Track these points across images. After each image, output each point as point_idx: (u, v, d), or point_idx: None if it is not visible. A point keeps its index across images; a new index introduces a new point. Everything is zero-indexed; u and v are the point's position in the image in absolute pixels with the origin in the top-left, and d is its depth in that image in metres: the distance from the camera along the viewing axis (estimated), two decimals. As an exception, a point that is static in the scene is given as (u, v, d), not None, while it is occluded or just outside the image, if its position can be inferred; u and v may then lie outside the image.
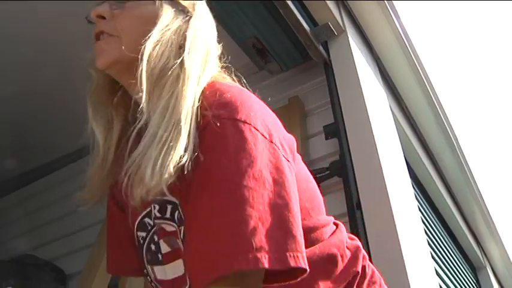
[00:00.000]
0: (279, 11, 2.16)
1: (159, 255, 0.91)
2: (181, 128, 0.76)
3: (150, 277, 0.97)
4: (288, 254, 0.71)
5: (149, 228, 0.94)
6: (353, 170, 2.01)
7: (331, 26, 2.36)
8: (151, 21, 0.88)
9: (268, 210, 0.72)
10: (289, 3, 2.14)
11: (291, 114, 2.38)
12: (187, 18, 0.93)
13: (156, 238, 0.92)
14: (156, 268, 0.93)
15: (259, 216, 0.71)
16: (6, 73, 2.78)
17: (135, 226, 0.97)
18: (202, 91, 0.84)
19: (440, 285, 2.95)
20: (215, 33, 1.01)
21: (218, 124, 0.76)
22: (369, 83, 2.42)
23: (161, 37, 0.86)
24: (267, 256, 0.69)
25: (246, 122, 0.77)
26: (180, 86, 0.81)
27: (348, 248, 0.96)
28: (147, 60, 0.83)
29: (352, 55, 2.31)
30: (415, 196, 3.02)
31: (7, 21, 2.49)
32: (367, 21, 2.74)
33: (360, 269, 0.94)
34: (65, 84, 2.90)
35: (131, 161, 0.78)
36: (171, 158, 0.74)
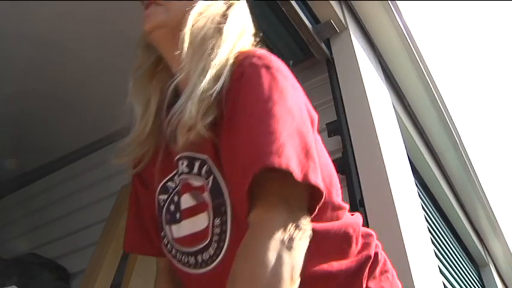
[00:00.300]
0: (281, 9, 2.16)
1: (177, 214, 0.96)
2: (218, 80, 0.89)
3: (167, 238, 1.00)
4: (309, 171, 0.78)
5: (170, 191, 1.00)
6: (356, 167, 2.00)
7: (333, 24, 2.36)
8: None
9: (296, 136, 0.81)
10: (292, 2, 2.14)
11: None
12: (228, 3, 1.06)
13: (176, 199, 0.98)
14: (174, 227, 0.97)
15: (288, 135, 0.80)
16: (6, 73, 2.78)
17: (158, 191, 1.03)
18: (237, 56, 0.95)
19: (443, 283, 2.94)
20: (250, 17, 1.14)
21: (253, 69, 0.88)
22: (371, 80, 2.41)
23: (204, 11, 0.99)
24: (295, 165, 0.76)
25: (278, 71, 0.89)
26: (216, 51, 0.94)
27: (362, 234, 0.99)
28: (191, 28, 0.96)
29: (355, 52, 2.31)
30: (418, 194, 3.02)
31: (7, 22, 2.49)
32: (370, 18, 2.73)
33: (372, 254, 0.96)
34: (66, 85, 2.91)
35: (174, 110, 0.89)
36: (209, 105, 0.87)
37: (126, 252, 1.21)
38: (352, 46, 2.33)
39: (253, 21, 2.32)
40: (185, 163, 0.96)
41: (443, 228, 4.18)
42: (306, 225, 0.78)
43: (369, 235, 1.01)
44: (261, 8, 2.28)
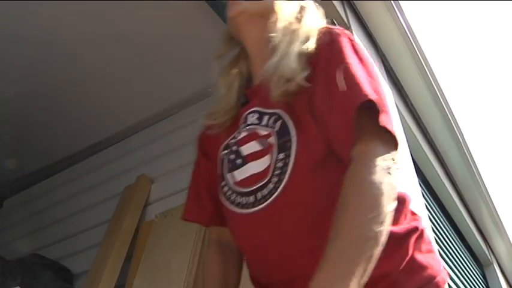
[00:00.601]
0: (283, 9, 2.16)
1: (239, 160, 1.08)
2: (306, 43, 1.07)
3: (227, 186, 1.10)
4: (391, 121, 0.93)
5: (232, 146, 1.13)
6: (359, 167, 1.99)
7: (335, 23, 2.36)
8: None
9: (380, 90, 0.96)
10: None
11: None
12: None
13: (236, 148, 1.11)
14: (236, 172, 1.08)
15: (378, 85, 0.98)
16: (7, 75, 2.79)
17: (221, 149, 1.17)
18: (320, 29, 1.12)
19: (447, 283, 2.93)
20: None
21: (342, 38, 1.05)
22: (375, 79, 2.40)
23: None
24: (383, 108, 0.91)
25: (357, 43, 1.07)
26: (304, 21, 1.15)
27: (410, 210, 1.06)
28: (279, 12, 1.15)
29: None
30: (422, 194, 3.01)
31: (7, 23, 2.49)
32: (372, 18, 2.73)
33: (419, 228, 1.01)
34: (67, 86, 2.92)
35: (269, 66, 1.05)
36: (304, 61, 1.04)
37: (184, 219, 1.29)
38: (355, 45, 2.33)
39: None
40: (255, 116, 1.11)
41: (447, 228, 4.17)
42: (398, 160, 0.91)
43: (416, 214, 1.07)
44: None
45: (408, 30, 2.89)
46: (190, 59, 2.78)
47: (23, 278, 2.66)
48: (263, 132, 1.06)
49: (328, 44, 1.05)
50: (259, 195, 1.01)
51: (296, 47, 1.06)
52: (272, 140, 1.03)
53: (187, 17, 2.58)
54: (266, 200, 0.99)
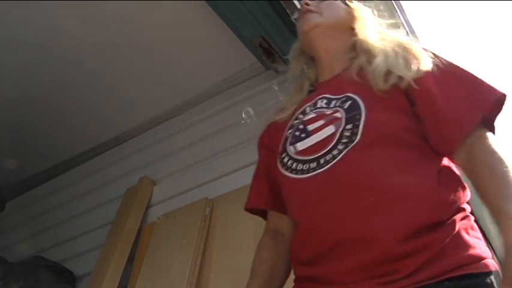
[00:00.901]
0: (285, 10, 2.16)
1: (303, 135, 1.17)
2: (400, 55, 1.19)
3: (287, 156, 1.17)
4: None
5: (297, 125, 1.22)
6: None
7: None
8: (340, 8, 1.40)
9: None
10: (295, 2, 2.14)
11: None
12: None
13: (301, 126, 1.20)
14: (298, 144, 1.16)
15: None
16: (8, 78, 2.79)
17: (286, 129, 1.26)
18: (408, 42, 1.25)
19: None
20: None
21: (440, 57, 1.15)
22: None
23: (359, 9, 1.39)
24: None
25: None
26: (391, 36, 1.31)
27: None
28: (363, 20, 1.35)
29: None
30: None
31: (7, 26, 2.50)
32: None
33: (466, 211, 1.08)
34: (68, 89, 2.92)
35: (376, 64, 1.17)
36: (405, 65, 1.14)
37: (245, 209, 1.38)
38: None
39: (258, 22, 2.33)
40: (324, 101, 1.21)
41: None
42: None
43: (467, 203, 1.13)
44: (265, 10, 2.28)
45: (409, 30, 2.89)
46: (192, 62, 2.79)
47: (25, 280, 2.67)
48: (329, 111, 1.16)
49: (432, 57, 1.15)
50: (322, 160, 1.08)
51: (397, 51, 1.19)
52: (338, 114, 1.13)
53: (187, 21, 2.58)
54: (328, 163, 1.06)
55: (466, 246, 0.98)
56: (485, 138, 1.05)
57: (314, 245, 1.06)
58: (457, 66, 1.14)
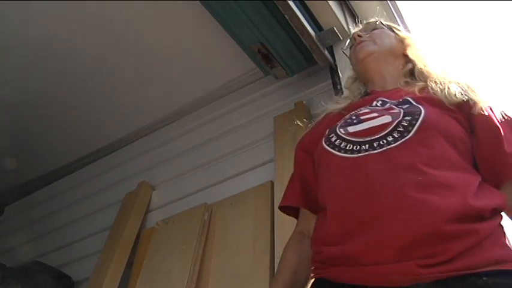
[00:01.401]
0: (284, 16, 2.17)
1: (356, 121, 1.22)
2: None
3: (335, 136, 1.21)
4: None
5: (347, 117, 1.28)
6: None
7: (336, 31, 2.37)
8: (391, 36, 1.49)
9: None
10: (294, 8, 2.15)
11: (298, 119, 2.37)
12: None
13: (354, 117, 1.24)
14: (350, 127, 1.20)
15: None
16: (9, 83, 2.80)
17: (338, 123, 1.28)
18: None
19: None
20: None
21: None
22: (375, 87, 2.42)
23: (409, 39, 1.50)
24: None
25: None
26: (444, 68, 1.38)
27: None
28: (414, 47, 1.46)
29: (343, 53, 2.31)
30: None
31: (10, 30, 2.51)
32: (373, 25, 2.74)
33: (502, 219, 1.09)
34: (68, 94, 2.93)
35: (447, 85, 1.24)
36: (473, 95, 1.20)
37: (280, 206, 1.42)
38: (356, 53, 2.33)
39: (257, 28, 2.34)
40: (380, 102, 1.28)
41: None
42: None
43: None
44: (265, 16, 2.29)
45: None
46: (191, 67, 2.80)
47: (23, 285, 2.66)
48: (385, 108, 1.23)
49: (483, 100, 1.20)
50: (375, 144, 1.11)
51: (463, 84, 1.25)
52: (396, 110, 1.19)
53: (186, 27, 2.59)
54: (382, 147, 1.10)
55: (504, 245, 1.02)
56: None
57: (351, 219, 1.05)
58: None
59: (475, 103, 1.18)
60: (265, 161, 2.43)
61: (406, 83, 1.36)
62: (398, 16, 2.70)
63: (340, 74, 2.29)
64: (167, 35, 2.63)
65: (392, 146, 1.09)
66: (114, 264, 2.44)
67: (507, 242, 1.04)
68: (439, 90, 1.23)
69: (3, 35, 2.53)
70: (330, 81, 2.39)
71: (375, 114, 1.20)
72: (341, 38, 2.39)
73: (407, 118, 1.14)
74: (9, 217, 3.66)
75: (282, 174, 2.21)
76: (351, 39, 1.58)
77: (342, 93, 2.26)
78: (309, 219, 1.31)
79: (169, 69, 2.81)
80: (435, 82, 1.28)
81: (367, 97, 1.37)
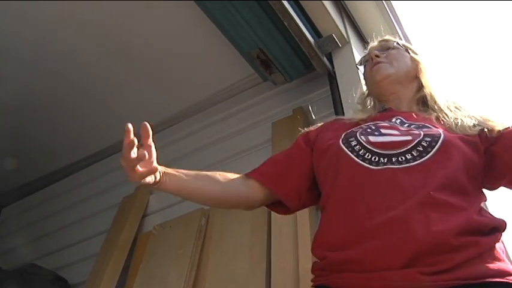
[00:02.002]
0: (283, 23, 2.18)
1: (377, 132, 1.24)
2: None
3: (356, 141, 1.23)
4: None
5: (368, 126, 1.30)
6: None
7: (335, 38, 2.38)
8: (407, 58, 1.49)
9: None
10: (293, 14, 2.16)
11: (296, 125, 2.38)
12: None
13: (374, 127, 1.27)
14: (370, 137, 1.23)
15: None
16: (5, 86, 2.80)
17: (352, 127, 1.34)
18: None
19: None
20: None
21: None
22: (373, 94, 2.42)
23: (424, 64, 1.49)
24: None
25: None
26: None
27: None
28: (427, 75, 1.46)
29: (356, 66, 2.31)
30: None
31: (9, 31, 2.51)
32: (371, 32, 2.74)
33: (502, 235, 1.12)
34: (64, 98, 2.93)
35: (451, 120, 1.28)
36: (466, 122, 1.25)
37: (250, 175, 1.41)
38: (354, 60, 2.34)
39: (255, 34, 2.35)
40: (398, 120, 1.30)
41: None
42: None
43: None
44: (264, 22, 2.30)
45: (402, 34, 2.90)
46: (190, 72, 2.81)
47: (19, 288, 2.66)
48: (404, 128, 1.25)
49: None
50: (394, 159, 1.14)
51: (463, 115, 1.30)
52: (415, 131, 1.21)
53: (185, 32, 2.60)
54: (400, 164, 1.13)
55: (503, 259, 1.05)
56: None
57: (360, 226, 1.07)
58: None
59: (492, 129, 1.22)
60: (262, 167, 2.43)
61: (420, 110, 1.38)
62: (395, 19, 2.71)
63: (338, 81, 2.30)
64: (166, 40, 2.64)
65: (410, 164, 1.12)
66: (110, 268, 2.44)
67: (505, 257, 1.07)
68: (453, 124, 1.26)
69: (1, 36, 2.53)
70: (328, 87, 2.40)
71: (395, 132, 1.23)
72: (339, 45, 2.40)
73: (427, 139, 1.17)
74: (6, 219, 3.66)
75: (280, 180, 2.22)
76: (366, 56, 1.58)
77: (340, 100, 2.28)
78: (259, 192, 1.36)
79: (168, 73, 2.82)
80: (447, 115, 1.31)
81: (385, 113, 1.40)
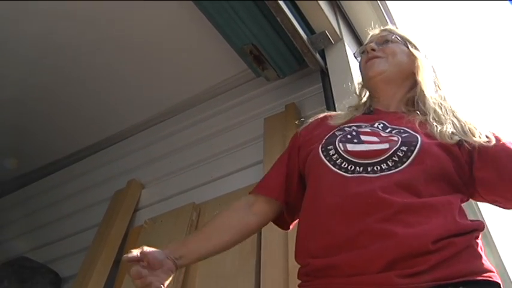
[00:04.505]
0: (276, 19, 2.18)
1: (355, 140, 1.23)
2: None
3: (336, 150, 1.22)
4: None
5: (349, 130, 1.29)
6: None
7: (328, 34, 2.38)
8: (404, 53, 1.44)
9: None
10: (287, 10, 2.16)
11: (288, 121, 2.39)
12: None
13: (355, 133, 1.26)
14: (349, 145, 1.22)
15: None
16: (6, 77, 2.80)
17: (335, 129, 1.32)
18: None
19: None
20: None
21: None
22: (365, 91, 2.43)
23: (421, 62, 1.44)
24: None
25: None
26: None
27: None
28: (423, 73, 1.40)
29: (349, 63, 2.32)
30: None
31: (8, 24, 2.50)
32: (365, 29, 2.75)
33: (480, 237, 1.12)
34: (56, 92, 2.93)
35: (443, 127, 1.23)
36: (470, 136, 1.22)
37: (259, 193, 1.41)
38: (347, 57, 2.34)
39: (249, 30, 2.35)
40: (381, 125, 1.29)
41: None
42: None
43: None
44: (257, 18, 2.30)
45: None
46: (182, 67, 2.81)
47: (9, 281, 2.66)
48: (385, 134, 1.24)
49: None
50: (369, 168, 1.14)
51: (460, 121, 1.28)
52: (394, 138, 1.20)
53: (179, 27, 2.60)
54: (375, 173, 1.13)
55: (480, 257, 1.06)
56: None
57: (339, 234, 1.09)
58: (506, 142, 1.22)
59: (472, 143, 1.20)
60: (254, 162, 2.44)
61: (408, 111, 1.36)
62: (388, 16, 2.71)
63: (330, 78, 2.31)
64: (159, 34, 2.63)
65: (384, 173, 1.12)
66: (101, 262, 2.44)
67: (483, 254, 1.08)
68: (434, 128, 1.24)
69: (4, 30, 2.53)
70: (321, 84, 2.40)
71: (375, 139, 1.22)
72: (332, 42, 2.41)
73: (403, 149, 1.16)
74: (-2, 212, 3.65)
75: (271, 176, 2.23)
76: (363, 46, 1.54)
77: (332, 97, 2.28)
78: (269, 209, 1.37)
79: (161, 68, 2.82)
80: (433, 118, 1.29)
81: (370, 116, 1.38)
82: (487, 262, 1.06)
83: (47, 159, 3.51)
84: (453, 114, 1.31)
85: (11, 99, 2.94)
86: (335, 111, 2.21)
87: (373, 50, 1.45)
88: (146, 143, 3.11)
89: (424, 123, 1.27)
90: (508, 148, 1.18)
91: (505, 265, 2.22)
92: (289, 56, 2.48)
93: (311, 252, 1.14)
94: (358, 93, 1.55)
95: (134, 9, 2.49)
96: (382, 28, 1.58)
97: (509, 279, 2.14)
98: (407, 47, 1.46)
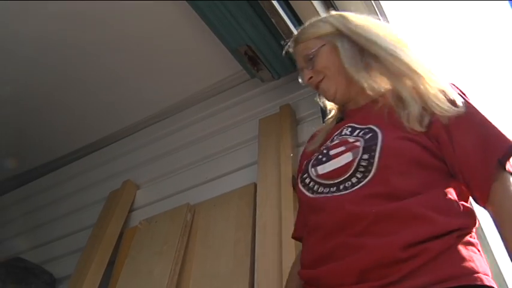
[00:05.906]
0: (271, 20, 2.19)
1: (324, 159, 1.24)
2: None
3: (309, 178, 1.25)
4: None
5: (323, 150, 1.28)
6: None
7: (322, 35, 2.38)
8: (334, 53, 1.35)
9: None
10: (281, 12, 2.17)
11: (282, 122, 2.40)
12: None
13: (325, 151, 1.26)
14: (319, 167, 1.23)
15: None
16: (5, 74, 2.79)
17: (314, 155, 1.31)
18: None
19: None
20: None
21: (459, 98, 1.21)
22: (360, 92, 2.44)
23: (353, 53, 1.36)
24: None
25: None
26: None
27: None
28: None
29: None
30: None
31: (7, 22, 2.50)
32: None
33: (470, 232, 1.11)
34: (64, 86, 2.92)
35: (408, 112, 1.20)
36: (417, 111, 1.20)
37: (296, 238, 1.47)
38: (341, 58, 2.35)
39: (244, 31, 2.35)
40: (349, 129, 1.28)
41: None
42: None
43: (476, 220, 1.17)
44: (251, 19, 2.31)
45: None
46: (177, 68, 2.81)
47: (3, 282, 2.65)
48: (352, 139, 1.23)
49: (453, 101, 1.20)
50: (341, 187, 1.16)
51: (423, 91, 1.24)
52: (358, 143, 1.20)
53: (173, 28, 2.60)
54: (347, 190, 1.14)
55: (461, 258, 1.02)
56: (505, 181, 1.11)
57: (318, 250, 1.14)
58: (474, 113, 1.19)
59: (437, 120, 1.18)
60: (248, 163, 2.45)
61: (379, 95, 1.31)
62: (383, 19, 2.72)
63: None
64: (155, 36, 2.63)
65: (356, 187, 1.13)
66: (95, 263, 2.44)
67: (469, 251, 1.05)
68: (404, 118, 1.20)
69: (2, 28, 2.52)
70: (315, 85, 2.40)
71: (342, 149, 1.21)
72: (327, 43, 2.41)
73: (365, 157, 1.16)
74: (-8, 212, 3.64)
75: (265, 177, 2.23)
76: (300, 72, 1.48)
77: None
78: None
79: (155, 69, 2.82)
80: (397, 106, 1.25)
81: (340, 123, 1.38)
82: (476, 263, 1.02)
83: (42, 160, 3.50)
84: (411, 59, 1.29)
85: (7, 98, 2.94)
86: (329, 112, 2.22)
87: (310, 78, 1.39)
88: (141, 144, 3.11)
89: (392, 111, 1.24)
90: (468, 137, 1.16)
91: (500, 268, 2.21)
92: (284, 58, 2.48)
93: (303, 264, 1.22)
94: (328, 108, 1.55)
95: (129, 10, 2.49)
96: (291, 40, 1.51)
97: (505, 282, 2.14)
98: (324, 42, 1.37)
